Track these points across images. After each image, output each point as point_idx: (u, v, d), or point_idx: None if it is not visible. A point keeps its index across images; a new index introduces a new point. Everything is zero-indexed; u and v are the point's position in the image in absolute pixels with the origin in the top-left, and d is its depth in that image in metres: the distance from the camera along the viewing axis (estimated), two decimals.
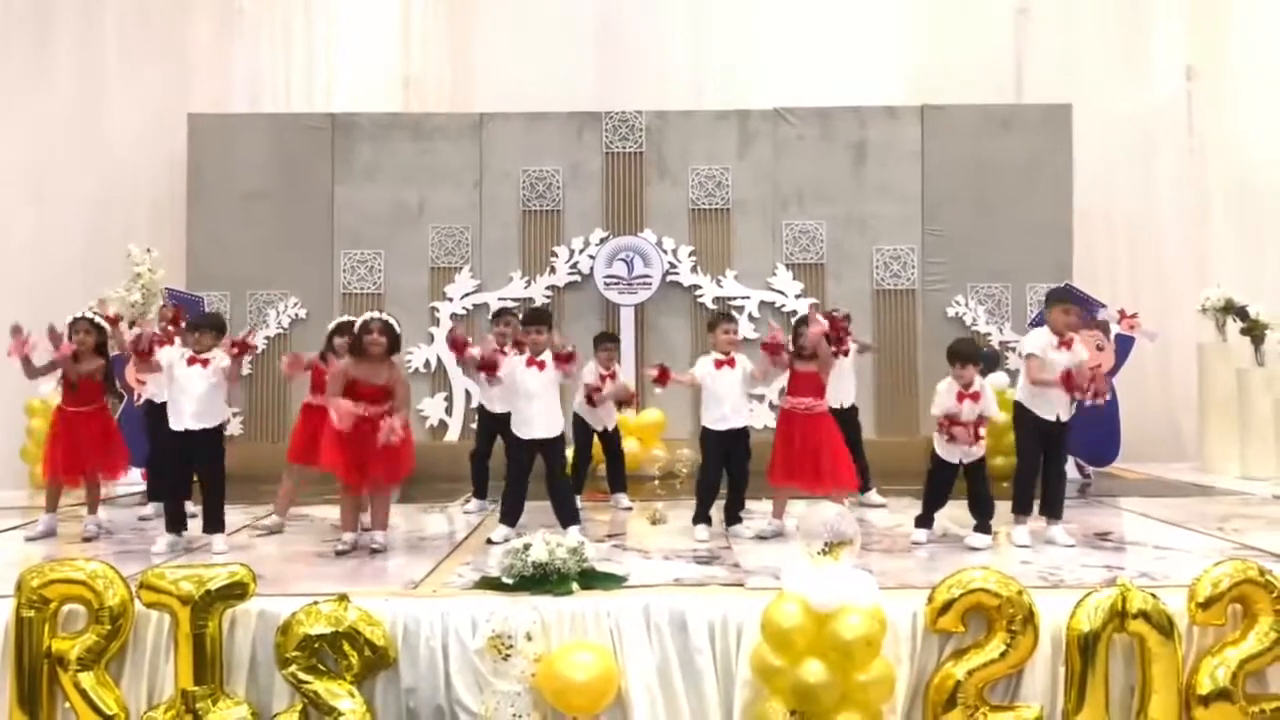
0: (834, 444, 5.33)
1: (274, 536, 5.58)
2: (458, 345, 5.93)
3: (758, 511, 6.08)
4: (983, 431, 5.10)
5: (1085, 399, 5.03)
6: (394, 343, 5.06)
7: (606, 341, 6.61)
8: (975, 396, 5.07)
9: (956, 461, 5.13)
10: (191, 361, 5.07)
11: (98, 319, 5.65)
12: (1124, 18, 9.71)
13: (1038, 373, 5.13)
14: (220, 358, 5.09)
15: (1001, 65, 9.71)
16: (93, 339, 5.57)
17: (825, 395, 5.39)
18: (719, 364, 5.46)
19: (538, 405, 5.29)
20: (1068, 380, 5.04)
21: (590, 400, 6.37)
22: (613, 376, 6.42)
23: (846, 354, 6.23)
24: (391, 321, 5.09)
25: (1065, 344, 5.17)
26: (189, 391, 5.03)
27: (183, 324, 5.39)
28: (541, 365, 5.32)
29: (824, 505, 3.90)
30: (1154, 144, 9.64)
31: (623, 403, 6.57)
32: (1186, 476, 8.07)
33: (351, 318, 5.86)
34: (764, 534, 5.37)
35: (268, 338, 8.86)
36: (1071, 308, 5.25)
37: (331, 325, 5.93)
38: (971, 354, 5.15)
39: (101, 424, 5.63)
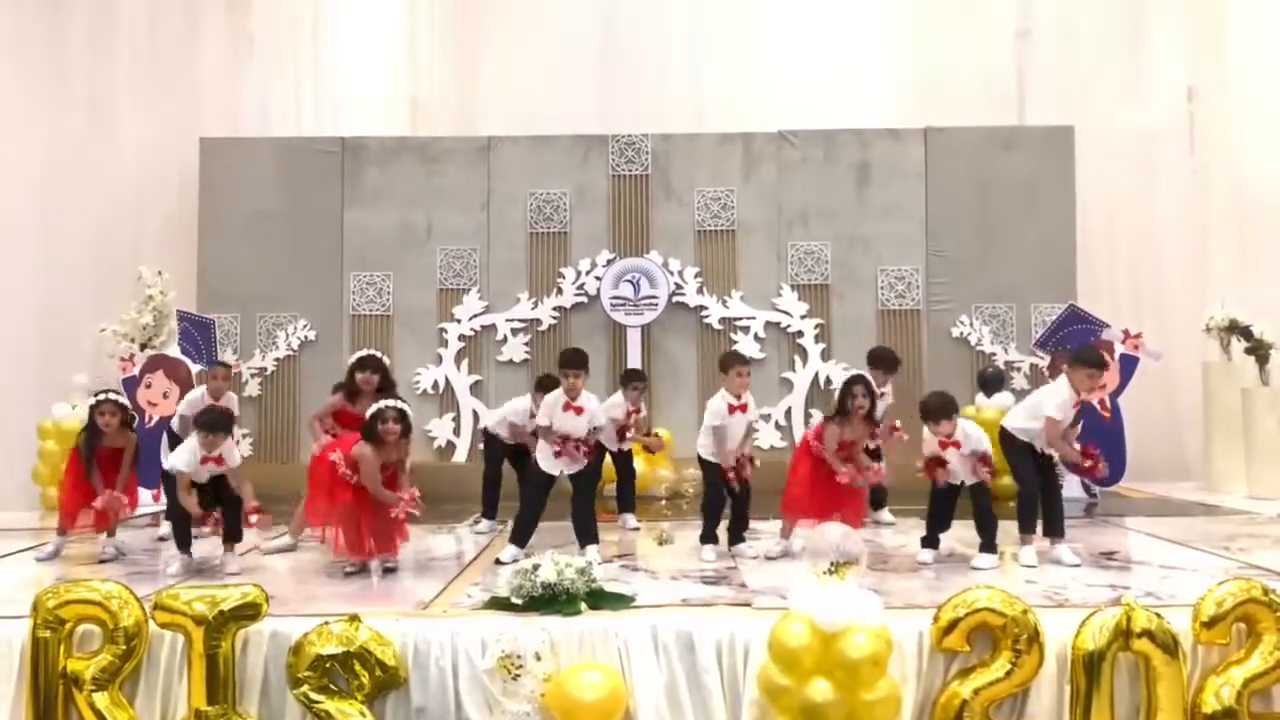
0: (856, 492, 5.31)
1: (285, 556, 5.62)
2: None
3: (764, 531, 6.12)
4: (988, 457, 5.10)
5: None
6: (407, 428, 5.09)
7: (635, 380, 6.52)
8: (956, 445, 5.08)
9: (958, 482, 5.17)
10: (204, 461, 5.10)
11: (121, 399, 5.61)
12: (1125, 40, 9.79)
13: (1056, 437, 5.06)
14: (231, 450, 5.20)
15: (1003, 87, 9.78)
16: (118, 418, 5.51)
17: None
18: (732, 409, 5.40)
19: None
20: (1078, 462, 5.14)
21: (621, 436, 6.35)
22: (638, 412, 6.44)
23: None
24: (405, 409, 5.10)
25: (1078, 403, 5.13)
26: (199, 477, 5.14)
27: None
28: (579, 411, 5.33)
29: (830, 525, 3.94)
30: (1156, 164, 9.69)
31: (650, 450, 6.69)
32: (1193, 496, 8.07)
33: (372, 352, 5.99)
34: (771, 554, 5.39)
35: (277, 359, 8.95)
36: (1096, 373, 5.07)
37: (353, 360, 6.01)
38: (940, 408, 5.08)
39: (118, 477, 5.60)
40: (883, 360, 6.42)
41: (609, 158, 9.13)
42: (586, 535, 5.37)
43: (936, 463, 5.12)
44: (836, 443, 5.26)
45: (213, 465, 5.13)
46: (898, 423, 5.71)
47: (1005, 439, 5.28)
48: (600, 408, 5.50)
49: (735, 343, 8.83)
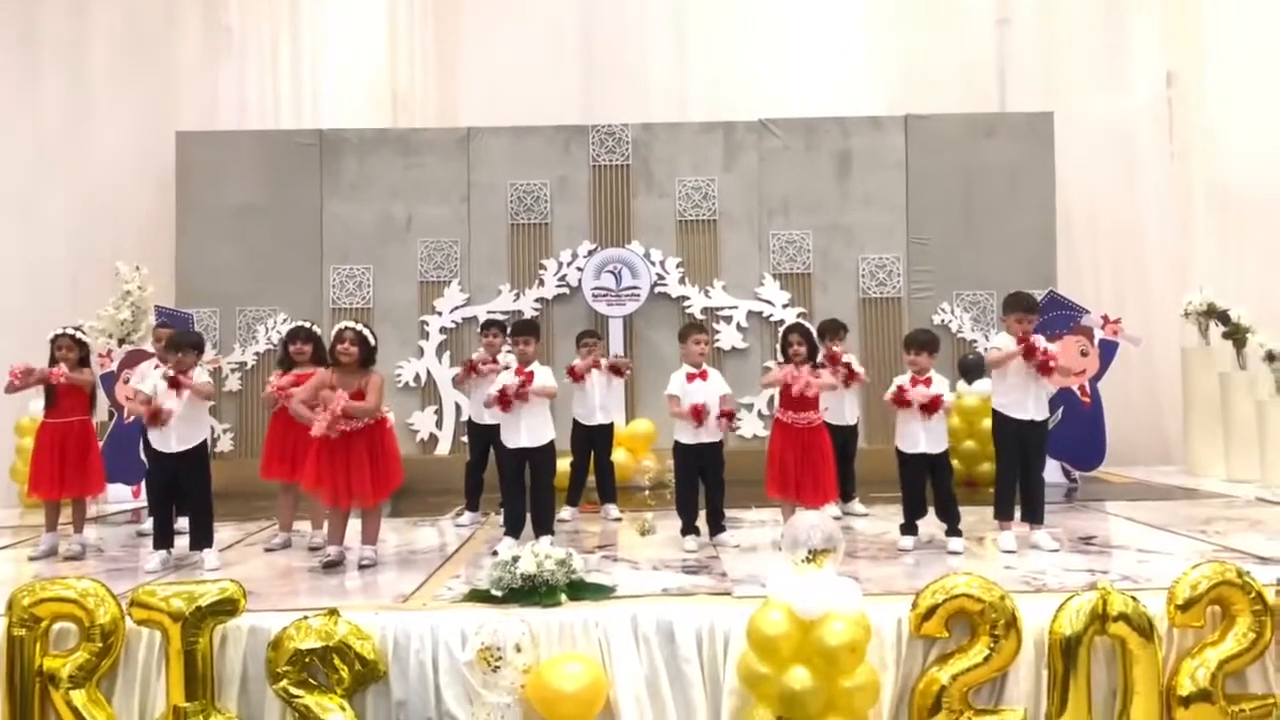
0: (825, 458, 5.31)
1: (261, 553, 5.60)
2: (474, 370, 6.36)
3: (746, 520, 6.15)
4: (945, 405, 5.22)
5: (1048, 373, 5.15)
6: (367, 353, 5.06)
7: (588, 337, 6.78)
8: (928, 382, 5.25)
9: (919, 451, 5.23)
10: (176, 380, 5.09)
11: (78, 335, 5.68)
12: (1103, 26, 9.82)
13: (995, 356, 5.24)
14: (201, 375, 5.14)
15: (983, 74, 9.81)
16: (75, 353, 5.62)
17: (820, 408, 5.36)
18: (691, 377, 5.46)
19: (525, 416, 5.33)
20: (1028, 349, 5.11)
21: (572, 376, 6.45)
22: (596, 366, 6.54)
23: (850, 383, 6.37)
24: (365, 332, 5.09)
25: (1025, 343, 5.19)
26: (172, 412, 5.06)
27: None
28: (530, 377, 5.36)
29: (808, 513, 3.95)
30: (1136, 150, 9.74)
31: (616, 371, 6.66)
32: (1172, 480, 8.14)
33: (303, 323, 6.04)
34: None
35: (257, 353, 8.91)
36: (1024, 317, 5.21)
37: (285, 333, 6.06)
38: (926, 343, 5.34)
39: (82, 437, 5.63)
40: (827, 330, 6.59)
41: (590, 148, 9.11)
42: (543, 525, 5.37)
43: (902, 391, 5.27)
44: (773, 377, 5.37)
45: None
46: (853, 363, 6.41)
47: (994, 421, 5.37)
48: (547, 372, 5.52)
49: (718, 333, 8.85)
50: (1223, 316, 8.28)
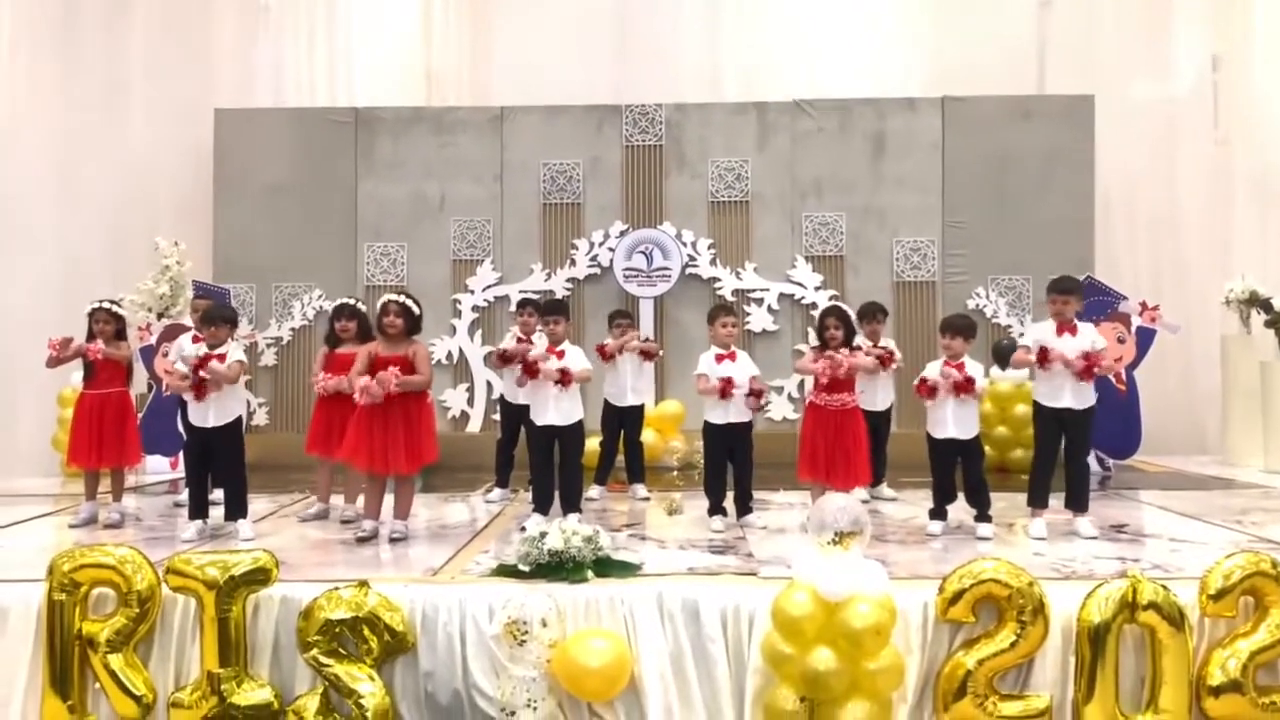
0: (858, 441, 5.28)
1: (299, 524, 5.70)
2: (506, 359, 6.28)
3: (773, 503, 6.15)
4: (972, 381, 5.12)
5: (1085, 377, 5.09)
6: (412, 323, 5.17)
7: (620, 318, 6.83)
8: (960, 367, 5.15)
9: (949, 436, 5.17)
10: (207, 358, 5.16)
11: (115, 308, 5.77)
12: (1147, 7, 9.62)
13: (1017, 357, 5.25)
14: (235, 350, 5.21)
15: (1023, 56, 9.64)
16: (112, 327, 5.71)
17: (855, 390, 5.34)
18: (720, 358, 5.47)
19: (554, 394, 5.38)
20: (1041, 355, 5.07)
21: (602, 355, 6.47)
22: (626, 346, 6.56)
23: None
24: (409, 303, 5.17)
25: (1068, 329, 5.15)
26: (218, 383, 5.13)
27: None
28: (560, 355, 5.40)
29: (834, 496, 3.94)
30: (1178, 135, 9.55)
31: (647, 355, 6.68)
32: (1209, 469, 8.03)
33: (347, 300, 6.10)
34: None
35: (293, 329, 9.02)
36: (1058, 298, 5.18)
37: (331, 310, 6.12)
38: (965, 328, 5.24)
39: (119, 408, 5.72)
40: (866, 313, 6.52)
41: (622, 128, 9.08)
42: (569, 503, 5.42)
43: (927, 380, 5.19)
44: (808, 363, 5.32)
45: (215, 363, 5.12)
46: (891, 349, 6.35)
47: (1034, 408, 5.31)
48: (579, 353, 5.57)
49: (749, 315, 8.82)
50: (1265, 305, 8.15)
